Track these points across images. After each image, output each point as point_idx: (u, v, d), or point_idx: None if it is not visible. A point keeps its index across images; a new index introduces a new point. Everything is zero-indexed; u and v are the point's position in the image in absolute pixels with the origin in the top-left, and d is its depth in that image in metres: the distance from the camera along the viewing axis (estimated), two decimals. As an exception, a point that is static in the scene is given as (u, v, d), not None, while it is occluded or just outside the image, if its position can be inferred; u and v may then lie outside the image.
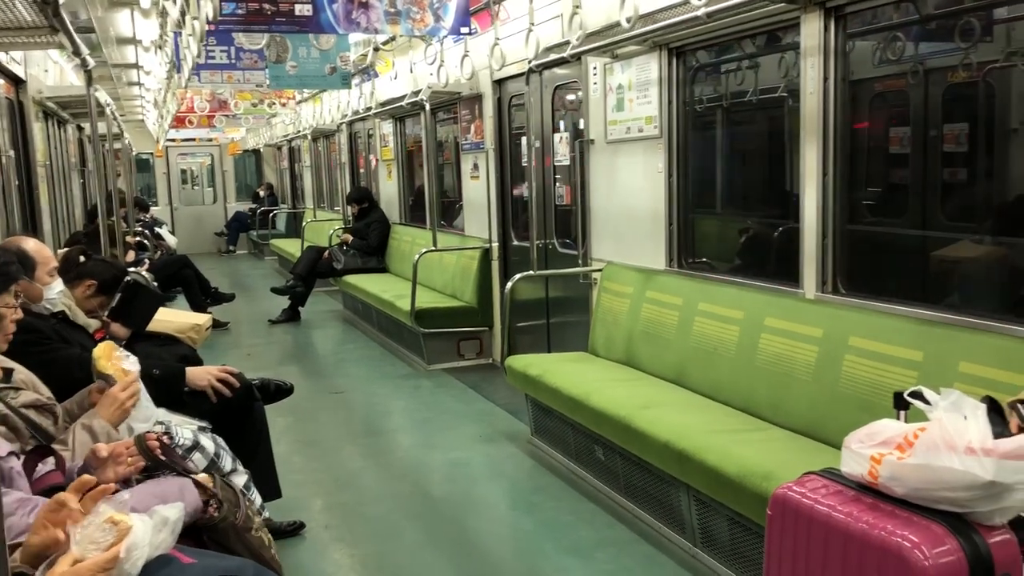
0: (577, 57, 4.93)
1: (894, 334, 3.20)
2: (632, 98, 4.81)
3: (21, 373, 2.47)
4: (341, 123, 11.10)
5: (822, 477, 2.11)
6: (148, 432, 2.42)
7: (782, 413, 3.61)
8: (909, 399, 2.01)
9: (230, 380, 3.55)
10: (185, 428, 2.80)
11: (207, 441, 2.73)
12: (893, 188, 4.16)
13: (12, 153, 5.58)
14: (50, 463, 2.11)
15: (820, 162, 3.64)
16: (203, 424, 3.06)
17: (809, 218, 3.70)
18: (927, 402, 1.96)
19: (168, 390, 3.33)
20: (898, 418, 2.11)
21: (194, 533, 2.09)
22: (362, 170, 11.42)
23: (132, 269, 5.87)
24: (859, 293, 3.58)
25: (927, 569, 1.75)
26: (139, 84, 10.59)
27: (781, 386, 3.63)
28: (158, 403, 3.00)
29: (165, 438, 2.44)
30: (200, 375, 3.53)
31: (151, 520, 1.73)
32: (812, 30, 3.60)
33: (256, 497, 2.79)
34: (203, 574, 1.68)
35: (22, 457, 2.07)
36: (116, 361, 2.73)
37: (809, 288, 3.71)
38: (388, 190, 9.98)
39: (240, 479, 2.72)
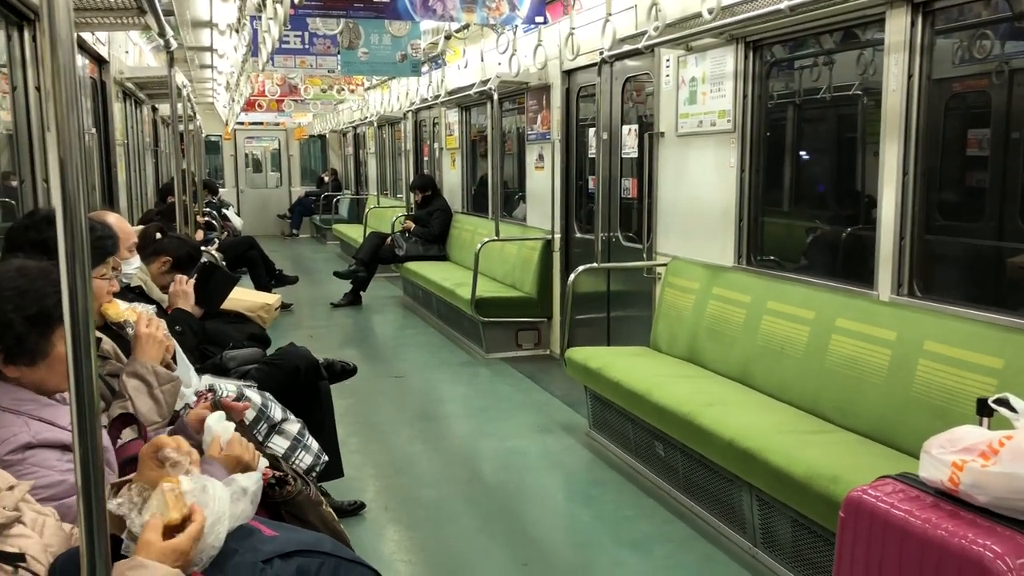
0: (651, 49, 4.89)
1: (973, 340, 3.11)
2: (705, 91, 4.75)
3: (106, 343, 2.54)
4: (407, 111, 11.18)
5: (898, 481, 2.07)
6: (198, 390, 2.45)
7: (851, 416, 3.54)
8: (994, 406, 1.96)
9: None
10: (229, 384, 2.82)
11: (253, 394, 2.74)
12: (972, 191, 4.04)
13: (94, 131, 5.75)
14: (133, 431, 2.16)
15: (900, 161, 3.55)
16: (248, 383, 3.08)
17: (887, 218, 3.62)
18: (1013, 410, 1.90)
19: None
20: (981, 425, 2.06)
21: (271, 508, 2.13)
22: (426, 158, 11.50)
23: (202, 248, 6.01)
24: (936, 297, 3.49)
25: (1010, 580, 1.70)
26: (212, 67, 10.81)
27: (851, 389, 3.55)
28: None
29: (209, 394, 2.47)
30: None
31: (229, 490, 1.77)
32: (898, 25, 3.51)
33: (313, 443, 2.80)
34: (284, 546, 1.71)
35: (106, 429, 2.13)
36: (122, 309, 2.65)
37: (884, 290, 3.63)
38: (451, 179, 10.03)
39: (293, 427, 2.74)
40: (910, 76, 3.50)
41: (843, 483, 2.78)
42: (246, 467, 2.15)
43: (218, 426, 2.14)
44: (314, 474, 2.78)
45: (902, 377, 3.32)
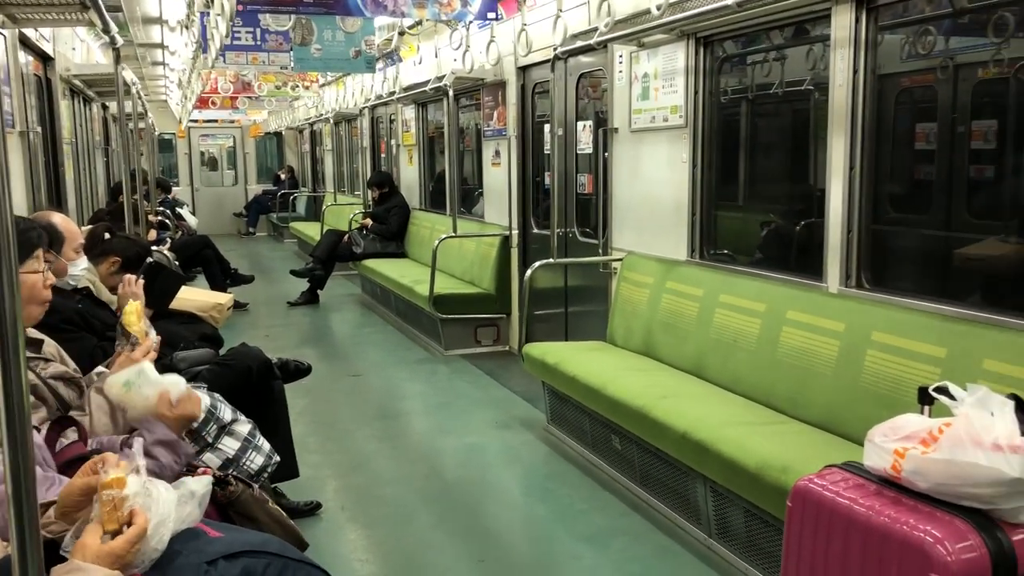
0: (603, 45, 4.91)
1: (918, 330, 3.17)
2: (658, 87, 4.79)
3: (50, 345, 2.49)
4: (364, 107, 11.11)
5: (843, 470, 2.10)
6: None
7: (801, 407, 3.59)
8: (934, 394, 2.00)
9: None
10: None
11: (202, 395, 2.70)
12: (918, 184, 4.12)
13: (39, 129, 5.63)
14: (72, 434, 2.12)
15: (847, 155, 3.61)
16: (198, 385, 3.04)
17: (834, 212, 3.67)
18: (953, 398, 1.94)
19: None
20: (922, 413, 2.10)
21: (220, 510, 2.11)
22: (383, 155, 11.44)
23: (154, 248, 5.91)
24: (883, 288, 3.55)
25: (949, 565, 1.73)
26: (163, 64, 10.65)
27: (801, 380, 3.61)
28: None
29: None
30: None
31: (176, 493, 1.75)
32: (843, 21, 3.56)
33: (264, 443, 2.78)
34: (229, 547, 1.69)
35: (44, 429, 2.09)
36: (143, 325, 2.74)
37: (832, 282, 3.69)
38: (409, 176, 9.99)
39: (243, 428, 2.72)
40: (855, 71, 3.56)
41: (793, 473, 2.81)
42: (190, 420, 2.21)
43: (167, 379, 2.15)
44: (266, 475, 2.76)
45: (851, 367, 3.37)
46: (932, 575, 1.75)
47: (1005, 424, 1.79)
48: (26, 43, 5.30)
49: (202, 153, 18.92)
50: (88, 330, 3.36)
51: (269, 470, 2.77)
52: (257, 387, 3.62)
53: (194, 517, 1.76)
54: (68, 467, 1.99)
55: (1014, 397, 1.94)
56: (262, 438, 2.78)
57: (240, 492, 2.12)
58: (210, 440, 2.62)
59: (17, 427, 1.16)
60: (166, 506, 1.68)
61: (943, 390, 1.97)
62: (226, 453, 2.65)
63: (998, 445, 1.75)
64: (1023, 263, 3.51)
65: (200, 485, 1.79)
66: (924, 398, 2.08)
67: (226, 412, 2.70)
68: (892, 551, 1.84)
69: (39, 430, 2.05)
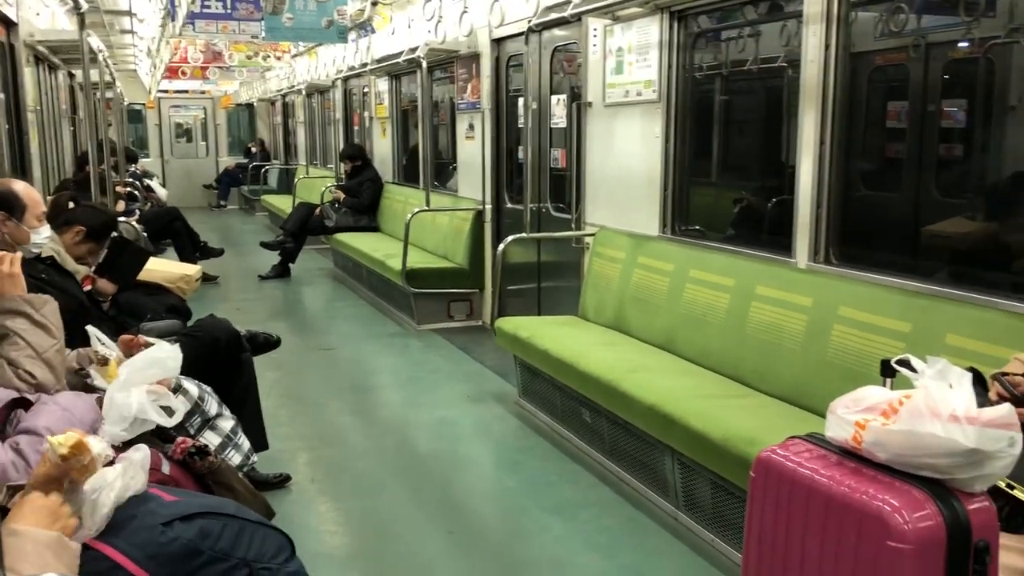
0: (578, 18, 4.88)
1: (883, 305, 3.21)
2: (632, 61, 4.77)
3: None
4: (336, 79, 10.99)
5: (806, 441, 2.12)
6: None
7: (769, 380, 3.63)
8: (896, 367, 2.02)
9: None
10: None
11: (190, 384, 2.69)
12: (889, 162, 4.15)
13: (2, 96, 5.51)
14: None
15: (818, 131, 3.63)
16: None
17: (804, 188, 3.69)
18: (914, 370, 1.96)
19: None
20: (884, 385, 2.12)
21: (198, 479, 2.11)
22: (356, 127, 11.33)
23: (123, 220, 5.83)
24: (850, 264, 3.59)
25: (906, 533, 1.76)
26: (132, 32, 10.45)
27: (769, 354, 3.64)
28: None
29: (140, 337, 2.43)
30: None
31: (119, 465, 1.76)
32: (815, -3, 3.56)
33: (244, 442, 2.77)
34: (185, 509, 1.70)
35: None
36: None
37: (801, 258, 3.72)
38: (382, 149, 9.91)
39: (227, 423, 2.71)
40: (827, 47, 3.57)
41: (759, 445, 2.83)
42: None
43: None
44: (243, 473, 2.74)
45: (817, 342, 3.41)
46: (889, 543, 1.78)
47: (963, 396, 1.81)
48: (-12, 7, 5.18)
49: (178, 124, 18.64)
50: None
51: (245, 470, 2.76)
52: (225, 359, 3.60)
53: (140, 481, 1.76)
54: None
55: (972, 370, 1.97)
56: (243, 436, 2.78)
57: (219, 462, 2.12)
58: (192, 432, 2.61)
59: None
60: (108, 474, 1.70)
61: (905, 362, 1.99)
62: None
63: (955, 416, 1.77)
64: (987, 240, 3.56)
65: (138, 454, 1.80)
66: (887, 371, 2.10)
67: (212, 406, 2.69)
68: (851, 520, 1.87)
69: None
